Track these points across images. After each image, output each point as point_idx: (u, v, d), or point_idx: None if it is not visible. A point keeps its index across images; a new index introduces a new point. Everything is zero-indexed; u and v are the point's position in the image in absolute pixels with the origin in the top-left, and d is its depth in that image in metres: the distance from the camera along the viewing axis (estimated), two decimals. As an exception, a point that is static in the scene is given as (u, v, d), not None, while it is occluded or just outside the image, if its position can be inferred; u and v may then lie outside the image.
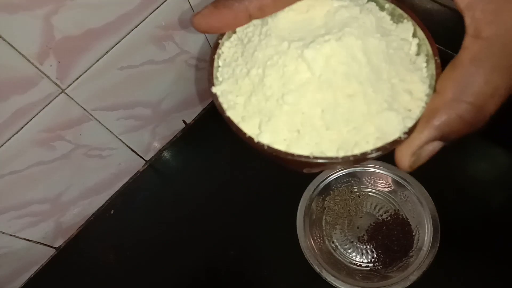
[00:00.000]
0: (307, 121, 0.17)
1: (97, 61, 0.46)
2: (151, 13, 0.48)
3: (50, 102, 0.45)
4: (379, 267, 0.49)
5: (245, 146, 0.18)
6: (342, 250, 0.51)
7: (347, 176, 0.54)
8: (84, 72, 0.46)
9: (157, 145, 0.64)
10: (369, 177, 0.54)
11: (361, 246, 0.51)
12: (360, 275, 0.48)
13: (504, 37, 0.15)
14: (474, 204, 0.51)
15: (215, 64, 0.20)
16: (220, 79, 0.19)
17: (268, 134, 0.17)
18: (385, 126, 0.16)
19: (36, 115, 0.45)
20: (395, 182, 0.52)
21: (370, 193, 0.54)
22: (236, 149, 0.61)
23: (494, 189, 0.52)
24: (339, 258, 0.50)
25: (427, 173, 0.49)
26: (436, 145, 0.16)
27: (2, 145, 0.45)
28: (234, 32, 0.20)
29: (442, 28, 0.49)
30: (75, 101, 0.48)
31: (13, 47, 0.39)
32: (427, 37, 0.18)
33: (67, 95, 0.46)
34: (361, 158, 0.16)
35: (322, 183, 0.53)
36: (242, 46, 0.19)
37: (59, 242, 0.60)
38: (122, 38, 0.47)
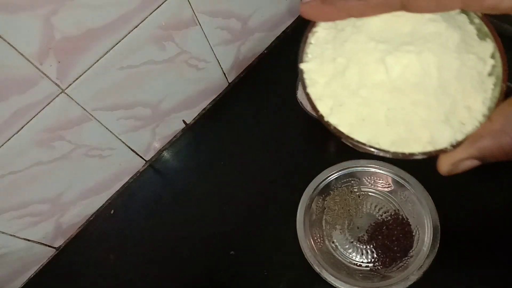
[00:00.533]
0: (372, 114, 0.20)
1: (97, 61, 0.46)
2: (151, 13, 0.48)
3: (50, 102, 0.45)
4: (379, 267, 0.49)
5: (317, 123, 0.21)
6: (342, 250, 0.51)
7: (347, 176, 0.54)
8: (84, 72, 0.46)
9: (157, 145, 0.64)
10: (369, 177, 0.54)
11: (361, 246, 0.51)
12: (360, 275, 0.48)
13: None
14: (474, 204, 0.51)
15: (308, 41, 0.22)
16: (309, 56, 0.21)
17: (337, 117, 0.20)
18: (437, 135, 0.19)
19: (36, 115, 0.45)
20: (395, 182, 0.52)
21: (370, 193, 0.54)
22: (236, 149, 0.61)
23: (494, 189, 0.52)
24: (339, 258, 0.50)
25: (427, 173, 0.49)
26: (474, 163, 0.19)
27: (2, 145, 0.45)
28: None
29: None
30: (75, 101, 0.48)
31: (13, 47, 0.39)
32: (503, 62, 0.20)
33: (67, 95, 0.46)
34: (408, 156, 0.19)
35: (322, 183, 0.53)
36: (336, 31, 0.21)
37: (59, 242, 0.60)
38: (122, 38, 0.47)
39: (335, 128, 0.20)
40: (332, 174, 0.54)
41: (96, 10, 0.43)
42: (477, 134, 0.19)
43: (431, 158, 0.20)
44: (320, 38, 0.22)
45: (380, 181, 0.53)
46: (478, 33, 0.20)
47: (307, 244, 0.49)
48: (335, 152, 0.58)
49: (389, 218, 0.51)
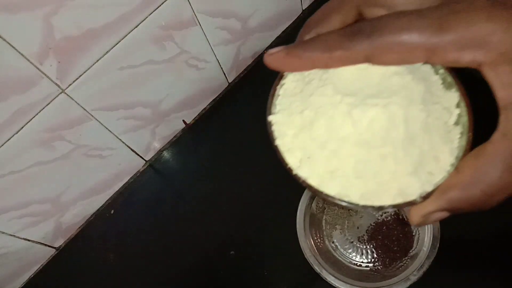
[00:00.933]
0: (340, 167, 0.20)
1: (97, 61, 0.46)
2: (151, 13, 0.48)
3: (50, 102, 0.45)
4: (379, 267, 0.49)
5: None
6: (342, 250, 0.51)
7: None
8: (84, 72, 0.46)
9: (157, 145, 0.64)
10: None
11: (361, 246, 0.51)
12: (360, 275, 0.48)
13: None
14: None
15: (276, 93, 0.22)
16: (278, 108, 0.22)
17: (305, 169, 0.20)
18: (405, 188, 0.19)
19: (36, 115, 0.45)
20: (395, 182, 0.52)
21: (370, 193, 0.54)
22: (236, 149, 0.61)
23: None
24: (339, 258, 0.50)
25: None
26: (443, 214, 0.19)
27: (2, 145, 0.45)
28: None
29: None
30: (75, 101, 0.48)
31: (13, 47, 0.39)
32: (468, 112, 0.20)
33: (67, 95, 0.46)
34: (377, 209, 0.19)
35: (322, 183, 0.53)
36: (303, 84, 0.21)
37: (59, 242, 0.60)
38: (122, 38, 0.47)
39: (304, 181, 0.20)
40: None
41: (96, 10, 0.43)
42: (446, 185, 0.19)
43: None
44: (288, 90, 0.22)
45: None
46: (443, 83, 0.21)
47: (307, 244, 0.49)
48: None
49: (389, 218, 0.51)
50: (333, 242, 0.52)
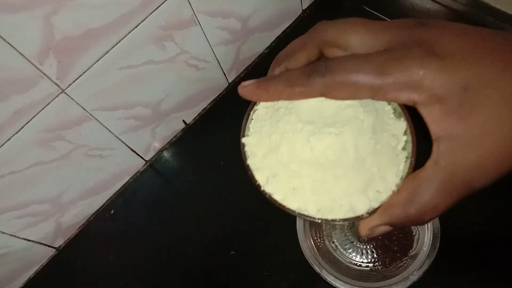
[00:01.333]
0: (301, 185, 0.23)
1: (97, 61, 0.46)
2: (151, 13, 0.48)
3: (50, 102, 0.45)
4: (379, 267, 0.49)
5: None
6: (342, 250, 0.51)
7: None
8: (84, 72, 0.46)
9: (157, 145, 0.64)
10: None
11: (361, 246, 0.51)
12: (360, 275, 0.48)
13: (453, 173, 0.20)
14: (474, 204, 0.51)
15: (250, 117, 0.25)
16: (251, 130, 0.25)
17: (271, 186, 0.23)
18: (355, 204, 0.22)
19: (36, 115, 0.45)
20: (395, 182, 0.52)
21: (370, 193, 0.54)
22: (236, 149, 0.61)
23: (494, 189, 0.52)
24: (339, 258, 0.50)
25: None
26: (386, 228, 0.23)
27: (2, 145, 0.45)
28: None
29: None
30: (75, 101, 0.48)
31: (13, 47, 0.39)
32: (413, 139, 0.23)
33: (67, 95, 0.46)
34: (330, 222, 0.23)
35: (322, 183, 0.53)
36: (273, 111, 0.24)
37: (59, 242, 0.60)
38: (122, 38, 0.47)
39: (270, 196, 0.23)
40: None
41: (96, 10, 0.43)
42: (388, 203, 0.22)
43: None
44: (260, 115, 0.25)
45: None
46: (394, 113, 0.23)
47: (307, 244, 0.49)
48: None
49: (389, 218, 0.51)
50: (333, 242, 0.52)
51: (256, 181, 0.24)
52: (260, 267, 0.53)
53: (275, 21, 0.66)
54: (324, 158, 0.22)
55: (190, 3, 0.51)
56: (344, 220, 0.22)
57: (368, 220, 0.23)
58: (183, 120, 0.64)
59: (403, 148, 0.23)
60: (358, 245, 0.51)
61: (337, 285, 0.47)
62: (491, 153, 0.20)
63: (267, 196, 0.24)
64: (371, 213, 0.22)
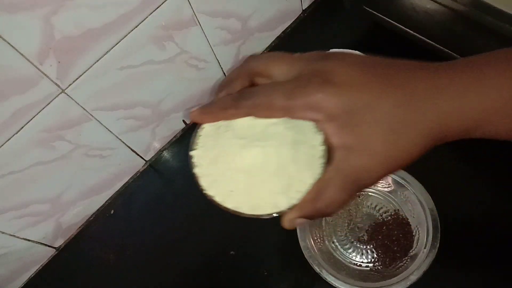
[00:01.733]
0: (235, 188, 0.28)
1: (97, 61, 0.46)
2: (151, 13, 0.48)
3: (50, 102, 0.45)
4: (379, 267, 0.49)
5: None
6: (342, 250, 0.51)
7: (347, 176, 0.54)
8: (84, 72, 0.46)
9: (157, 145, 0.64)
10: (369, 177, 0.54)
11: (361, 246, 0.51)
12: (360, 275, 0.48)
13: (346, 175, 0.26)
14: (474, 204, 0.51)
15: (198, 134, 0.31)
16: (198, 144, 0.30)
17: (213, 190, 0.29)
18: (278, 202, 0.28)
19: (36, 115, 0.45)
20: (395, 182, 0.52)
21: (370, 193, 0.54)
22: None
23: (494, 189, 0.52)
24: (339, 258, 0.50)
25: (427, 173, 0.49)
26: (302, 220, 0.28)
27: (2, 145, 0.45)
28: None
29: (442, 28, 0.49)
30: (75, 101, 0.48)
31: (13, 47, 0.39)
32: (328, 149, 0.27)
33: (67, 95, 0.46)
34: (259, 216, 0.28)
35: (322, 183, 0.53)
36: (215, 129, 0.30)
37: (59, 242, 0.60)
38: (122, 38, 0.47)
39: (211, 198, 0.29)
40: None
41: (96, 10, 0.43)
42: (303, 200, 0.27)
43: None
44: (206, 132, 0.30)
45: (380, 181, 0.53)
46: (316, 127, 0.27)
47: (307, 244, 0.49)
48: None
49: (389, 218, 0.51)
50: (333, 242, 0.52)
51: (200, 186, 0.29)
52: (260, 267, 0.53)
53: (275, 21, 0.66)
54: (253, 166, 0.28)
55: (190, 3, 0.51)
56: (269, 214, 0.28)
57: (288, 214, 0.28)
58: (183, 120, 0.64)
59: (321, 156, 0.27)
60: (358, 245, 0.51)
61: (337, 285, 0.47)
62: (373, 158, 0.25)
63: (209, 198, 0.29)
64: (291, 208, 0.28)
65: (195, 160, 0.30)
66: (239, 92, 0.28)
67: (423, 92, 0.24)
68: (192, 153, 0.30)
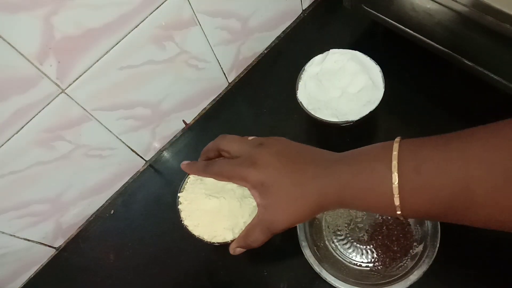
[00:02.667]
0: (201, 223, 0.42)
1: (97, 61, 0.47)
2: (151, 13, 0.48)
3: (50, 102, 0.45)
4: (379, 267, 0.49)
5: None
6: (342, 250, 0.51)
7: (347, 176, 0.54)
8: (84, 72, 0.46)
9: (157, 145, 0.64)
10: (369, 177, 0.54)
11: (361, 246, 0.51)
12: (360, 275, 0.48)
13: (263, 224, 0.38)
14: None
15: (187, 180, 0.44)
16: (186, 188, 0.44)
17: (188, 221, 0.43)
18: (226, 236, 0.41)
19: (36, 115, 0.45)
20: (395, 182, 0.52)
21: (370, 193, 0.53)
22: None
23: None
24: (339, 258, 0.50)
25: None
26: (240, 250, 0.41)
27: (2, 145, 0.45)
28: None
29: (442, 28, 0.49)
30: (75, 101, 0.48)
31: (13, 47, 0.39)
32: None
33: (67, 95, 0.46)
34: (216, 244, 0.42)
35: (322, 183, 0.53)
36: (196, 179, 0.44)
37: (59, 242, 0.60)
38: (122, 38, 0.47)
39: (185, 227, 0.42)
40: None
41: (96, 10, 0.43)
42: (239, 236, 0.40)
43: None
44: (191, 180, 0.44)
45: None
46: None
47: (307, 244, 0.49)
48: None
49: (389, 218, 0.51)
50: (333, 242, 0.52)
51: (180, 217, 0.43)
52: (260, 267, 0.53)
53: (275, 21, 0.66)
54: (213, 210, 0.41)
55: (190, 3, 0.51)
56: (220, 243, 0.41)
57: (232, 244, 0.41)
58: (183, 120, 0.64)
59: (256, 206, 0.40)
60: (358, 245, 0.51)
61: (337, 285, 0.47)
62: (280, 215, 0.37)
63: (185, 227, 0.42)
64: (233, 240, 0.41)
65: (180, 199, 0.44)
66: (209, 162, 0.42)
67: (311, 177, 0.36)
68: (179, 194, 0.44)
